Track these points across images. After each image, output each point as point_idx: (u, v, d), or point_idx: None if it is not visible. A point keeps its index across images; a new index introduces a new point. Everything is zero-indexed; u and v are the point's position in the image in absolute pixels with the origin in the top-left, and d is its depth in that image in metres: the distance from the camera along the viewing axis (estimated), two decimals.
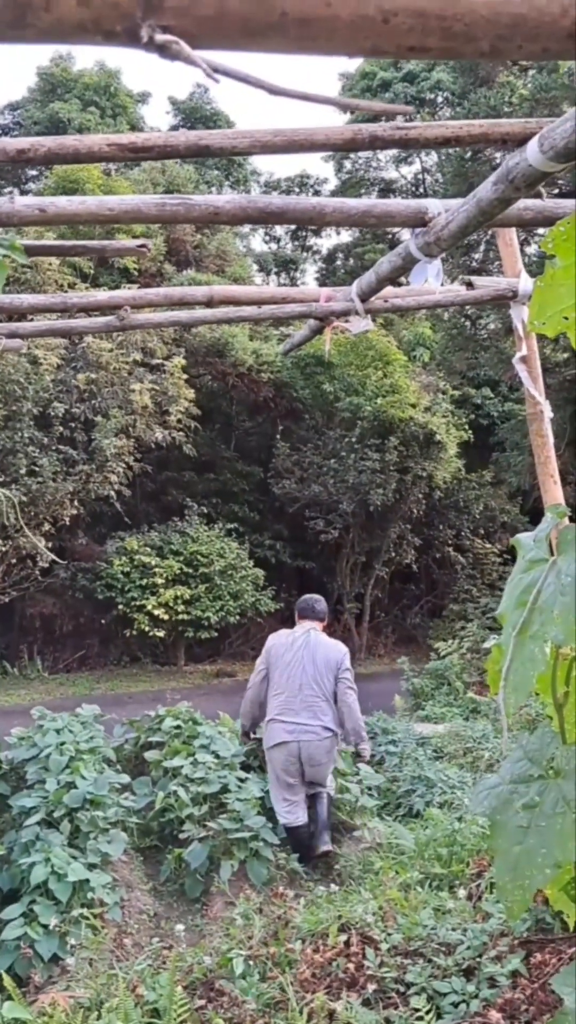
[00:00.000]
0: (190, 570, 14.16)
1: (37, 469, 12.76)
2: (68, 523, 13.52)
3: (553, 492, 3.49)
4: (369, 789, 5.88)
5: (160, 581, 13.79)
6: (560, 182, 10.79)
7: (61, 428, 13.22)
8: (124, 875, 4.84)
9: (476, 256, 15.79)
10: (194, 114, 24.49)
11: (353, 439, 15.42)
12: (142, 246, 3.07)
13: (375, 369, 15.89)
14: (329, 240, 26.85)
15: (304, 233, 25.88)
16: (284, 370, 16.39)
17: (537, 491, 3.90)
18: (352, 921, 3.31)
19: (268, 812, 5.20)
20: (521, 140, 1.99)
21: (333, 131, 2.13)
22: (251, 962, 3.18)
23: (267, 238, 26.69)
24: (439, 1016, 2.73)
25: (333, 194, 24.90)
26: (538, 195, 2.39)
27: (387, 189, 25.93)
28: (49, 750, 5.36)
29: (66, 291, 12.85)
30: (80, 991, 3.32)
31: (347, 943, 3.18)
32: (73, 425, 13.40)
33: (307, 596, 5.78)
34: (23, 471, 12.59)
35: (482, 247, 15.24)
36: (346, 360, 16.14)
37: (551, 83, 11.88)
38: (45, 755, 5.33)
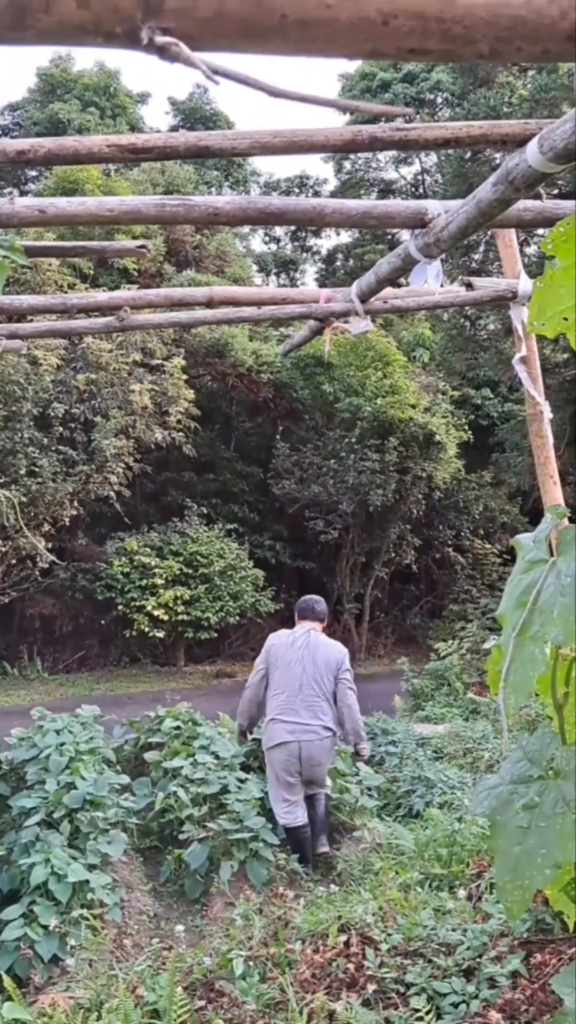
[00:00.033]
0: (190, 571, 14.16)
1: (37, 470, 12.77)
2: (68, 524, 13.52)
3: (553, 493, 3.49)
4: (369, 790, 5.88)
5: (160, 582, 13.80)
6: (560, 183, 10.80)
7: (61, 429, 13.22)
8: (124, 876, 4.84)
9: (476, 257, 15.80)
10: (194, 115, 24.51)
11: (353, 440, 15.42)
12: (142, 247, 3.07)
13: (375, 370, 15.90)
14: (329, 241, 26.89)
15: (304, 234, 25.89)
16: (284, 371, 16.40)
17: (537, 492, 3.90)
18: (352, 921, 3.31)
19: (268, 813, 5.20)
20: (521, 141, 2.00)
21: (333, 132, 2.13)
22: (251, 963, 3.18)
23: (267, 239, 26.72)
24: (439, 1016, 2.73)
25: (333, 195, 24.93)
26: (538, 196, 2.39)
27: (387, 190, 25.94)
28: (49, 751, 5.36)
29: (66, 292, 12.85)
30: (80, 992, 3.32)
31: (347, 943, 3.18)
32: (73, 426, 13.41)
33: (307, 597, 5.78)
34: (23, 472, 12.59)
35: (482, 248, 15.25)
36: (346, 361, 16.15)
37: (551, 84, 11.90)
38: (45, 756, 5.33)
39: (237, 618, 14.48)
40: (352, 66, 24.59)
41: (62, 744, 5.47)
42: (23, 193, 20.80)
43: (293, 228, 24.48)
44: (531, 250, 13.77)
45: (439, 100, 23.64)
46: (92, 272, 15.14)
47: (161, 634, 13.94)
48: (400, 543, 16.33)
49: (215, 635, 14.52)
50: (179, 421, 14.15)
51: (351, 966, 3.05)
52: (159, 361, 14.10)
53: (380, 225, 2.64)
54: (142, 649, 14.95)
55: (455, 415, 16.69)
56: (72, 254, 3.97)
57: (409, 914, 3.33)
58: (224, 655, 15.50)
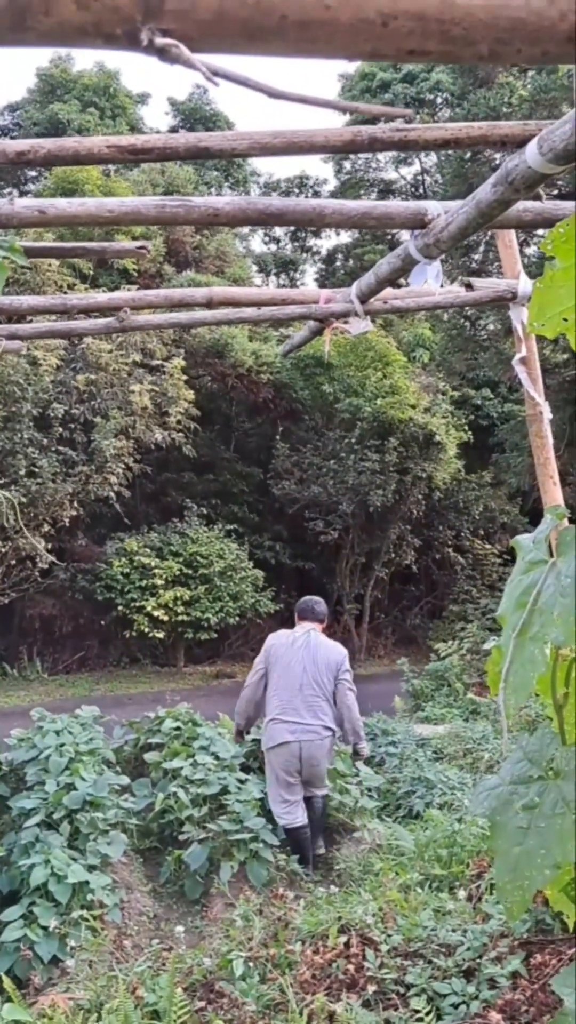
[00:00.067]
0: (190, 571, 14.16)
1: (36, 470, 12.76)
2: (67, 524, 13.51)
3: (553, 493, 3.49)
4: (369, 790, 5.88)
5: (160, 582, 13.79)
6: (559, 183, 10.80)
7: (60, 429, 13.22)
8: (124, 877, 4.84)
9: (476, 257, 15.81)
10: (193, 115, 24.52)
11: (353, 440, 15.42)
12: (141, 248, 3.07)
13: (375, 370, 15.90)
14: (329, 241, 26.90)
15: (304, 234, 25.90)
16: (284, 371, 16.40)
17: (537, 492, 3.90)
18: (352, 922, 3.31)
19: (268, 814, 5.20)
20: (520, 142, 2.00)
21: (332, 133, 2.13)
22: (251, 964, 3.18)
23: (267, 239, 26.73)
24: (439, 1017, 2.73)
25: (332, 195, 24.94)
26: (537, 197, 2.39)
27: (386, 190, 25.96)
28: (49, 751, 5.36)
29: (65, 292, 12.85)
30: (80, 993, 3.32)
31: (347, 944, 3.18)
32: (73, 426, 13.40)
33: (307, 598, 5.78)
34: (23, 472, 12.59)
35: (481, 248, 15.26)
36: (346, 361, 16.15)
37: (550, 84, 11.90)
38: (45, 756, 5.33)
39: (237, 619, 14.48)
40: (352, 66, 24.62)
41: (62, 745, 5.47)
42: (23, 193, 20.81)
43: (293, 228, 24.50)
44: (531, 250, 13.77)
45: (439, 100, 23.66)
46: (92, 273, 15.14)
47: (161, 635, 13.94)
48: (400, 544, 16.33)
49: (215, 636, 14.52)
50: (179, 422, 14.15)
51: (351, 967, 3.05)
52: (159, 362, 14.10)
53: (380, 226, 2.64)
54: (142, 650, 14.94)
55: (455, 415, 16.69)
56: (72, 255, 3.97)
57: (409, 915, 3.33)
58: (224, 656, 15.50)
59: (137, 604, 13.72)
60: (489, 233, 7.17)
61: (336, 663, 5.33)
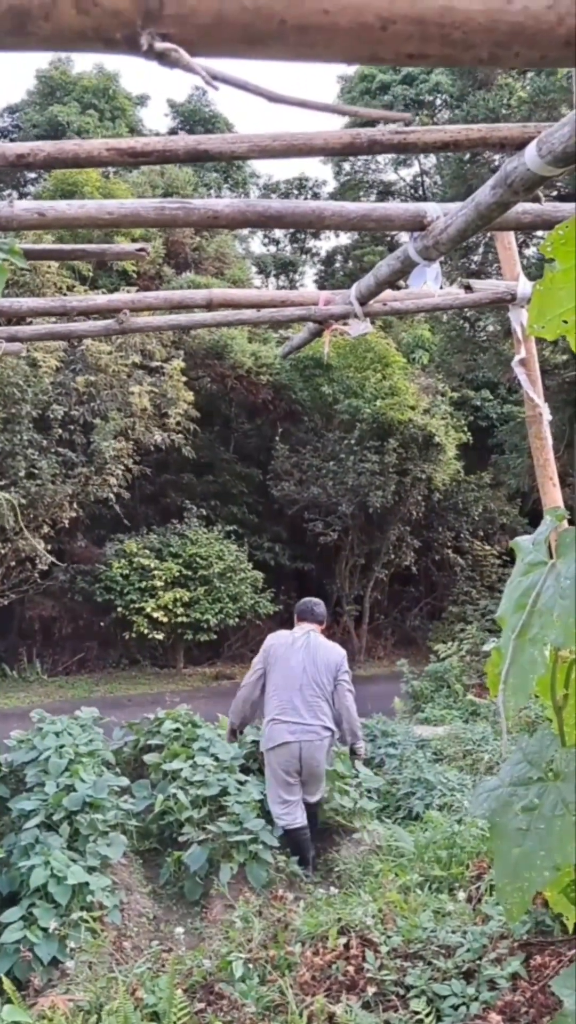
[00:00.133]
0: (189, 572, 14.16)
1: (36, 472, 12.77)
2: (67, 525, 13.52)
3: (552, 494, 3.49)
4: (369, 792, 5.88)
5: (159, 583, 13.79)
6: (559, 185, 10.81)
7: (60, 430, 13.22)
8: (123, 878, 4.84)
9: (475, 258, 15.80)
10: (193, 116, 24.54)
11: (352, 441, 15.42)
12: (141, 250, 3.07)
13: (374, 371, 15.90)
14: (328, 242, 26.93)
15: (303, 235, 25.92)
16: (283, 372, 16.41)
17: (536, 493, 3.91)
18: (352, 924, 3.31)
19: (267, 815, 5.20)
20: (519, 144, 2.00)
21: (332, 135, 2.13)
22: (251, 965, 3.18)
23: (266, 240, 26.75)
24: (439, 1019, 2.73)
25: (332, 196, 24.94)
26: (536, 199, 2.39)
27: (386, 191, 25.98)
28: (48, 753, 5.36)
29: (65, 294, 12.86)
30: (79, 994, 3.32)
31: (347, 946, 3.18)
32: (72, 427, 13.41)
33: (306, 599, 5.79)
34: (22, 474, 12.59)
35: (481, 249, 15.25)
36: (345, 362, 16.15)
37: (549, 86, 11.91)
38: (44, 758, 5.33)
39: (236, 620, 14.48)
40: (351, 68, 24.63)
41: (61, 746, 5.47)
42: (22, 195, 20.82)
43: (292, 230, 24.51)
44: (530, 252, 13.77)
45: (438, 102, 23.68)
46: (91, 274, 15.15)
47: (160, 636, 13.93)
48: (399, 545, 16.33)
49: (214, 637, 14.51)
50: (178, 423, 14.15)
51: (351, 968, 3.05)
52: (158, 363, 14.11)
53: (379, 228, 2.64)
54: (141, 651, 14.94)
55: (454, 416, 16.70)
56: (72, 257, 3.98)
57: (409, 916, 3.33)
58: (223, 657, 15.50)
59: (136, 605, 13.72)
60: (488, 235, 7.17)
61: (335, 664, 5.34)
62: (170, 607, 13.77)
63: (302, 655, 5.31)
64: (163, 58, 0.71)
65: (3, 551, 12.63)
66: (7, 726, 6.87)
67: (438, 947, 3.06)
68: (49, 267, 13.17)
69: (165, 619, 13.75)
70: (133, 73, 37.10)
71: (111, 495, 13.47)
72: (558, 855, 1.30)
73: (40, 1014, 3.12)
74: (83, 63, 22.88)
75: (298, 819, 5.17)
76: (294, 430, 16.63)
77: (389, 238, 21.97)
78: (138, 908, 4.67)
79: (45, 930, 3.94)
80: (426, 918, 3.27)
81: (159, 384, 13.84)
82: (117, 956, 3.87)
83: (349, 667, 5.49)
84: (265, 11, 0.70)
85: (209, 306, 3.74)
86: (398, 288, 3.75)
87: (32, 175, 20.99)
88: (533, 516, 16.17)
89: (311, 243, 26.70)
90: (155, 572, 13.85)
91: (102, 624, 14.50)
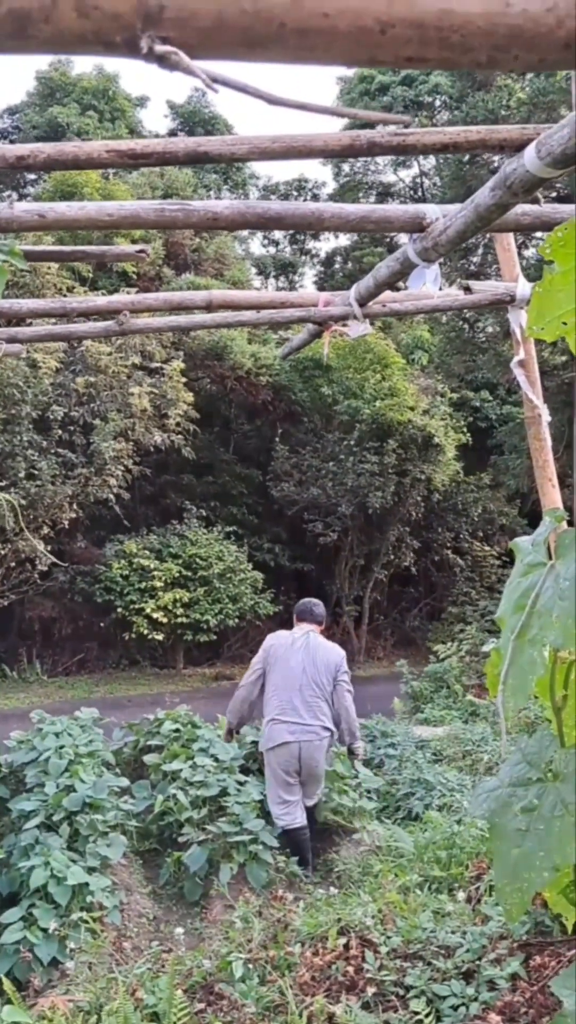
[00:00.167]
0: (189, 573, 14.16)
1: (36, 472, 12.77)
2: (67, 526, 13.52)
3: (551, 495, 3.50)
4: (368, 792, 5.88)
5: (159, 584, 13.79)
6: (558, 186, 10.82)
7: (60, 431, 13.23)
8: (123, 878, 4.84)
9: (474, 260, 15.81)
10: (192, 118, 24.55)
11: (352, 442, 15.43)
12: (141, 251, 3.08)
13: (373, 372, 15.91)
14: (328, 244, 26.94)
15: (303, 237, 25.93)
16: (283, 373, 16.41)
17: (535, 494, 3.91)
18: (351, 924, 3.31)
19: (267, 815, 5.21)
20: (519, 146, 2.00)
21: (331, 137, 2.13)
22: (250, 965, 3.18)
23: (266, 241, 26.77)
24: (439, 1019, 2.73)
25: (331, 198, 24.95)
26: (536, 200, 2.39)
27: (385, 192, 25.99)
28: (48, 753, 5.36)
29: (65, 295, 12.87)
30: (79, 995, 3.32)
31: (346, 946, 3.18)
32: (72, 428, 13.41)
33: (306, 600, 5.80)
34: (22, 474, 12.59)
35: (480, 251, 15.27)
36: (344, 363, 16.16)
37: (548, 87, 11.92)
38: (44, 758, 5.33)
39: (236, 620, 14.48)
40: (351, 69, 24.62)
41: (61, 747, 5.47)
42: (22, 196, 20.82)
43: (292, 232, 24.51)
44: (529, 253, 13.79)
45: (437, 103, 23.71)
46: (91, 275, 15.16)
47: (160, 637, 13.93)
48: (399, 545, 16.34)
49: (214, 637, 14.52)
50: (178, 424, 14.16)
51: (350, 969, 3.05)
52: (158, 364, 14.12)
53: (378, 229, 2.64)
54: (141, 652, 14.94)
55: (454, 417, 16.71)
56: (72, 259, 3.98)
57: (408, 917, 3.33)
58: (223, 657, 15.50)
59: (136, 606, 13.72)
60: (488, 236, 7.19)
61: (335, 664, 5.35)
62: (170, 608, 13.77)
63: (301, 655, 5.31)
64: (163, 61, 0.71)
65: (3, 552, 12.63)
66: (7, 727, 6.87)
67: (438, 947, 3.07)
68: (49, 268, 13.17)
69: (165, 620, 13.75)
70: (133, 74, 37.12)
71: (111, 496, 13.47)
72: (557, 856, 1.30)
73: (40, 1015, 3.12)
74: (83, 64, 22.91)
75: (298, 819, 5.17)
76: (294, 431, 16.63)
77: (388, 239, 21.98)
78: (138, 909, 4.67)
79: (45, 931, 3.94)
80: (426, 918, 3.27)
81: (159, 385, 13.85)
82: (117, 957, 3.87)
83: (348, 667, 5.50)
84: (265, 14, 0.70)
85: (209, 307, 3.74)
86: (397, 289, 3.75)
87: (32, 176, 21.00)
88: (532, 517, 16.18)
89: (310, 244, 26.74)
90: (155, 573, 13.86)
91: (102, 625, 14.50)
